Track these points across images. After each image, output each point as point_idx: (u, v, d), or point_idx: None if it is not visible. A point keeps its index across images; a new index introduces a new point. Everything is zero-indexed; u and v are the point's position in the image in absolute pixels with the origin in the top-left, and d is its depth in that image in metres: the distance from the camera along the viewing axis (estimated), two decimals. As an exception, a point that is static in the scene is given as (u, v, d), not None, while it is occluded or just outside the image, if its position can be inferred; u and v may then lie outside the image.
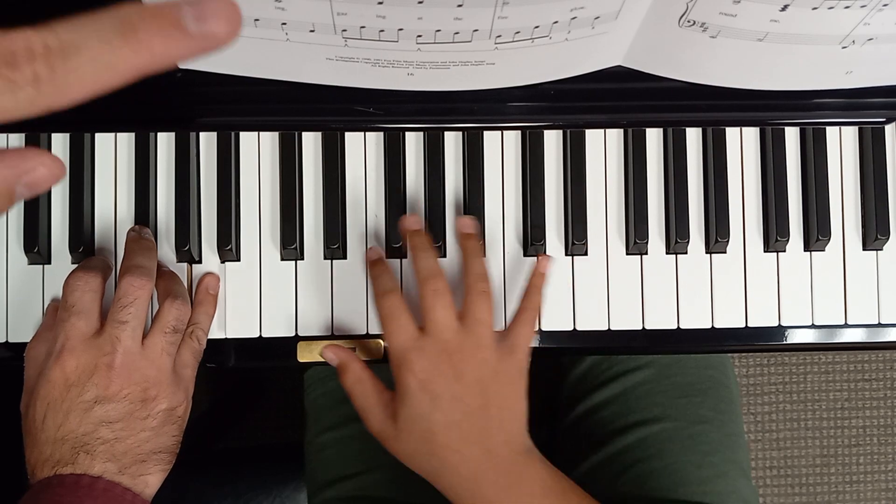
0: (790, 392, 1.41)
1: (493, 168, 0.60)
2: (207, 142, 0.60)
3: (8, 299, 0.59)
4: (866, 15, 0.45)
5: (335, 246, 0.59)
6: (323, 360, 0.58)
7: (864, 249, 0.61)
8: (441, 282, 0.54)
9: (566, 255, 0.60)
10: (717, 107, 0.56)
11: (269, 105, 0.56)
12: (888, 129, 0.61)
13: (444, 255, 0.60)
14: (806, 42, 0.48)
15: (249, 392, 1.35)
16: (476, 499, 0.53)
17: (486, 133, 0.60)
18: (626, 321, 0.60)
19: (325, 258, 0.60)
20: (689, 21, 0.47)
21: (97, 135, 0.59)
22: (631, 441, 0.71)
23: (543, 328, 0.60)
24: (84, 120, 0.57)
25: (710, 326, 0.60)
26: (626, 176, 0.61)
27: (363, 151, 0.60)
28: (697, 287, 0.60)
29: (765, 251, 0.61)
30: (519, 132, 0.61)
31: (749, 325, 0.60)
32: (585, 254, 0.60)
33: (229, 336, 0.59)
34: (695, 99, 0.56)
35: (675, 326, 0.60)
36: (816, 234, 0.60)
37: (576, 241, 0.59)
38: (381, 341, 0.59)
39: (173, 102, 0.56)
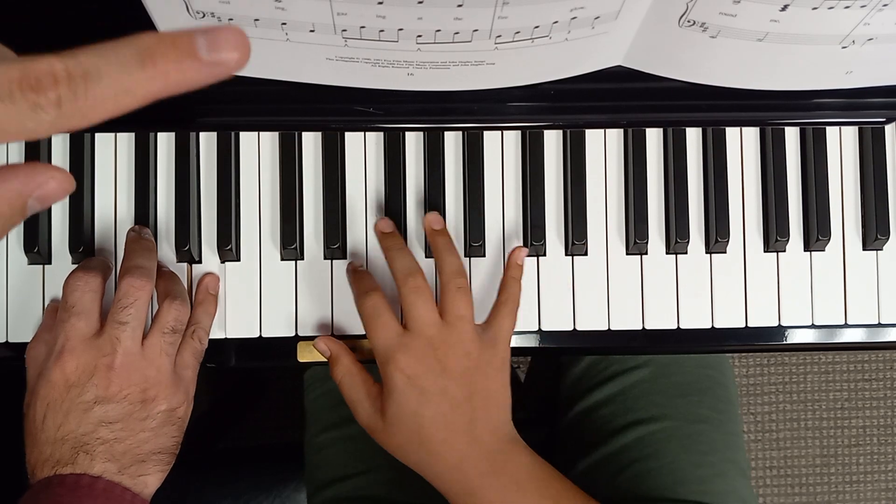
0: (790, 392, 1.41)
1: (493, 168, 0.60)
2: (207, 142, 0.60)
3: (8, 299, 0.59)
4: (866, 15, 0.45)
5: (335, 246, 0.59)
6: (323, 359, 0.58)
7: (864, 249, 0.61)
8: (420, 279, 0.54)
9: (566, 254, 0.60)
10: (717, 107, 0.56)
11: (269, 105, 0.56)
12: (888, 129, 0.61)
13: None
14: (806, 42, 0.48)
15: (249, 392, 1.35)
16: (462, 485, 0.53)
17: (486, 133, 0.60)
18: (626, 321, 0.60)
19: (325, 258, 0.60)
20: (689, 21, 0.47)
21: (97, 134, 0.59)
22: (629, 440, 0.71)
23: (543, 328, 0.60)
24: (84, 120, 0.57)
25: (710, 326, 0.60)
26: (626, 176, 0.61)
27: (363, 151, 0.60)
28: (697, 287, 0.60)
29: (765, 251, 0.61)
30: (519, 132, 0.61)
31: (749, 325, 0.60)
32: (585, 254, 0.60)
33: (229, 336, 0.59)
34: (695, 99, 0.56)
35: (675, 326, 0.60)
36: (816, 234, 0.60)
37: (576, 241, 0.59)
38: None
39: (173, 102, 0.55)
